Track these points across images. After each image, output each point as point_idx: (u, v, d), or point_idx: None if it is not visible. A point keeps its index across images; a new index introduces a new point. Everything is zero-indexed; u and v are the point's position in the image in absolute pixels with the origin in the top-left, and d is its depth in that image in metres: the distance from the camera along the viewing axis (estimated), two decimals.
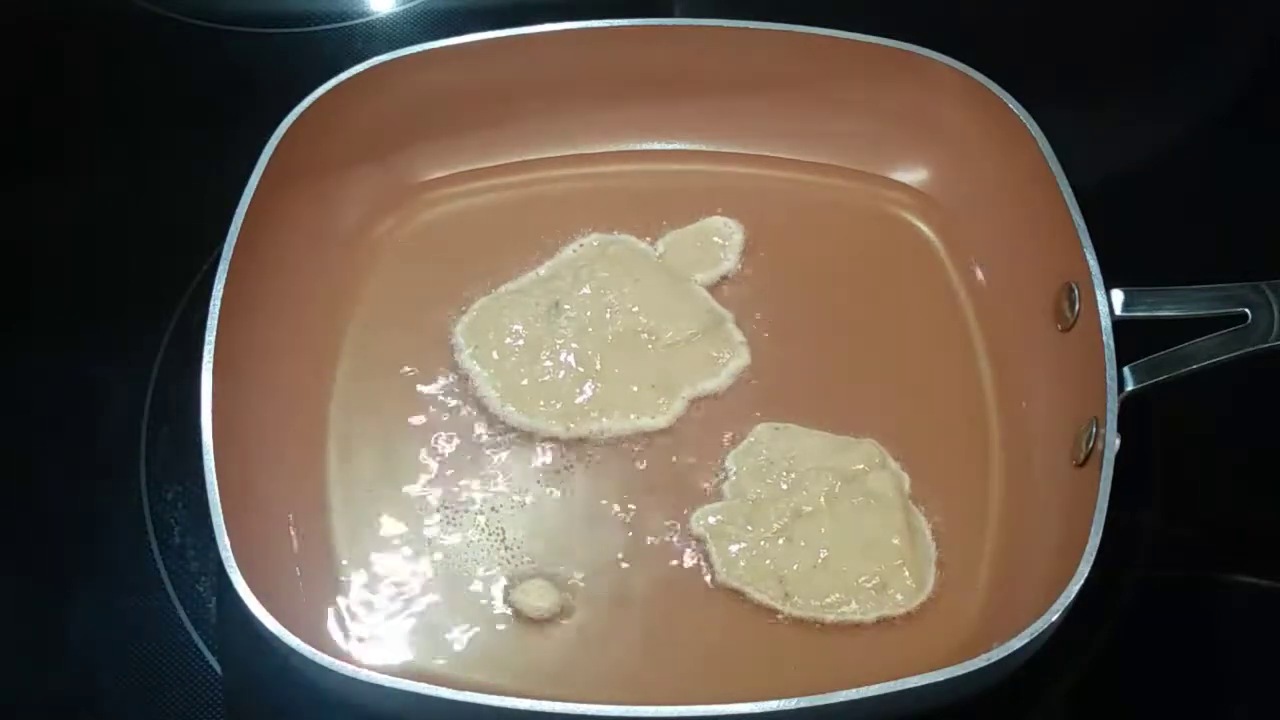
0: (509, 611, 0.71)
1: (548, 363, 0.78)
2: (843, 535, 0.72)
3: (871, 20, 0.84)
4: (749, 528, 0.73)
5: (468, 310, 0.81)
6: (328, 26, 0.97)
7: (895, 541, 0.72)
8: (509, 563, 0.72)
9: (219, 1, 0.98)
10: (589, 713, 0.61)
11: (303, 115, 0.79)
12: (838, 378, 0.79)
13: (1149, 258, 0.80)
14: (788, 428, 0.77)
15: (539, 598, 0.70)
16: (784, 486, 0.74)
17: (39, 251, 0.87)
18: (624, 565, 0.72)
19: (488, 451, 0.76)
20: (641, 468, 0.76)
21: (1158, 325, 0.71)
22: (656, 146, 0.88)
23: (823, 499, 0.73)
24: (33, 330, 0.83)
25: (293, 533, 0.73)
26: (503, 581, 0.72)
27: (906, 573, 0.71)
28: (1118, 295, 0.71)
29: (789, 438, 0.76)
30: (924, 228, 0.85)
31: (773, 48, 0.84)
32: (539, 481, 0.75)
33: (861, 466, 0.75)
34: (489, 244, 0.84)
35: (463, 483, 0.75)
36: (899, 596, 0.71)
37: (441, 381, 0.78)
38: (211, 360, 0.70)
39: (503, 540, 0.73)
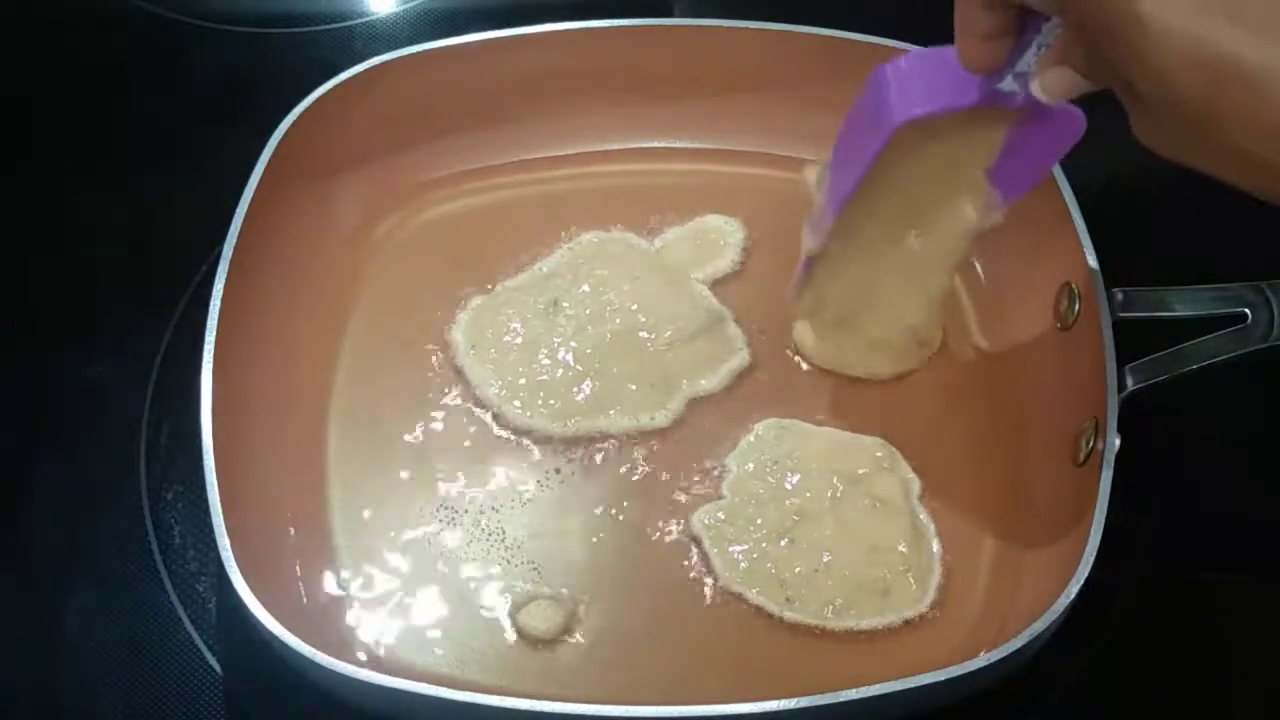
0: (509, 615, 0.71)
1: (546, 361, 0.78)
2: (847, 539, 0.72)
3: (871, 20, 0.84)
4: (750, 528, 0.73)
5: (467, 309, 0.81)
6: (328, 26, 0.97)
7: (901, 548, 0.72)
8: (509, 562, 0.72)
9: (219, 1, 0.98)
10: (589, 713, 0.61)
11: (303, 115, 0.79)
12: (835, 377, 0.79)
13: (1149, 258, 0.80)
14: (793, 424, 0.77)
15: (544, 619, 0.70)
16: (788, 486, 0.74)
17: (39, 251, 0.87)
18: (623, 565, 0.72)
19: (487, 450, 0.76)
20: (641, 467, 0.76)
21: (1158, 325, 0.71)
22: (656, 145, 0.88)
23: (827, 501, 0.73)
24: (33, 330, 0.83)
25: (293, 532, 0.73)
26: (501, 582, 0.72)
27: (911, 579, 0.71)
28: (1118, 295, 0.71)
29: (794, 436, 0.76)
30: None
31: (772, 48, 0.84)
32: (538, 480, 0.75)
33: (867, 469, 0.74)
34: (488, 243, 0.84)
35: (462, 482, 0.75)
36: (902, 602, 0.71)
37: (441, 380, 0.78)
38: (211, 360, 0.70)
39: (502, 539, 0.73)
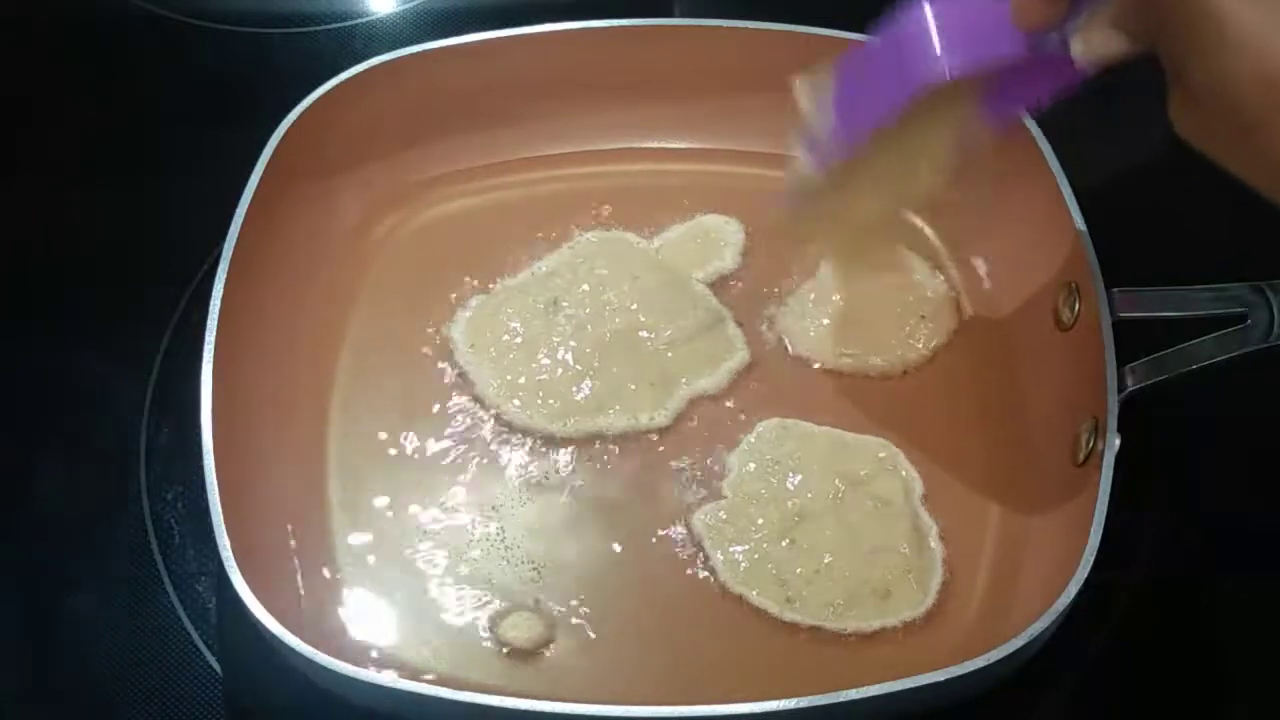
0: (488, 628, 0.70)
1: (546, 360, 0.78)
2: (848, 540, 0.72)
3: (871, 20, 0.83)
4: (751, 529, 0.73)
5: (467, 308, 0.81)
6: (328, 26, 0.97)
7: (902, 549, 0.72)
8: (508, 562, 0.72)
9: (219, 1, 0.98)
10: (588, 713, 0.61)
11: (303, 115, 0.79)
12: (835, 377, 0.79)
13: (1149, 258, 0.80)
14: (795, 424, 0.77)
15: (526, 629, 0.70)
16: (789, 487, 0.74)
17: (39, 251, 0.87)
18: (624, 565, 0.72)
19: (486, 450, 0.76)
20: (641, 466, 0.76)
21: (1158, 325, 0.71)
22: (656, 145, 0.88)
23: (828, 502, 0.73)
24: (33, 330, 0.83)
25: (293, 532, 0.73)
26: (501, 582, 0.72)
27: (912, 580, 0.71)
28: (1118, 295, 0.71)
29: (795, 437, 0.76)
30: (924, 227, 0.85)
31: (773, 48, 0.84)
32: (538, 480, 0.75)
33: (869, 470, 0.74)
34: (488, 242, 0.84)
35: (462, 482, 0.75)
36: (903, 604, 0.71)
37: (440, 380, 0.78)
38: (211, 360, 0.70)
39: (502, 539, 0.73)
